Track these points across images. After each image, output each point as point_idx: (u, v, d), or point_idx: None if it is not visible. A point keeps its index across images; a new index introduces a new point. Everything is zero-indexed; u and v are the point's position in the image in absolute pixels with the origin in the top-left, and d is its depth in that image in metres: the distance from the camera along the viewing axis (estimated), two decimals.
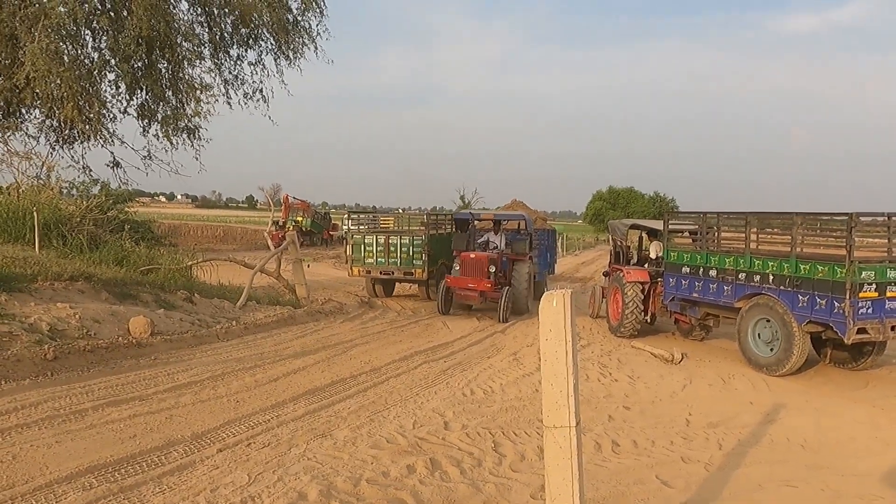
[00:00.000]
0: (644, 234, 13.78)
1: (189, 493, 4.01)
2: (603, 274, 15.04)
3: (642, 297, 11.57)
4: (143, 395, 5.98)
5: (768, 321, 9.04)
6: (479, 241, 14.50)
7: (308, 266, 15.16)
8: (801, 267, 8.51)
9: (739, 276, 9.47)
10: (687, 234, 11.83)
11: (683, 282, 10.60)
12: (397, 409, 6.23)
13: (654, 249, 12.70)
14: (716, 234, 10.38)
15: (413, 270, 14.76)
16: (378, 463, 4.76)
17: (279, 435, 5.25)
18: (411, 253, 14.73)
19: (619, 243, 13.30)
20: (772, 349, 8.96)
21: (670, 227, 11.62)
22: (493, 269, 12.78)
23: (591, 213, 70.05)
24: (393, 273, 14.91)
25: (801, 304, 8.46)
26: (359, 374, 7.53)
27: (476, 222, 15.62)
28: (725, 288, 9.73)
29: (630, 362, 9.41)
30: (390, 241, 14.77)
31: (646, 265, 12.55)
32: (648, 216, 51.38)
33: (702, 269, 10.19)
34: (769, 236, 10.00)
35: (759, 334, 9.24)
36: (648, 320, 12.10)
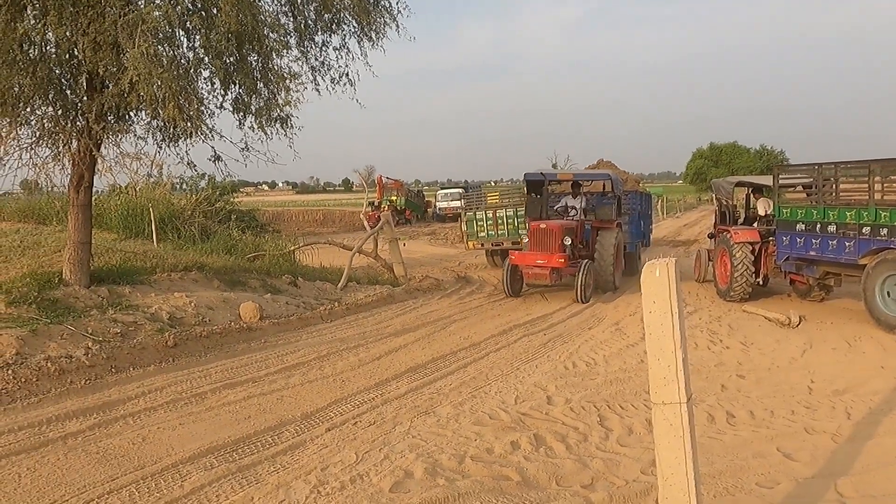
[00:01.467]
0: (751, 192, 12.98)
1: (301, 471, 4.16)
2: (708, 236, 14.36)
3: (752, 258, 10.92)
4: (255, 377, 6.27)
5: None
6: (555, 206, 13.01)
7: (404, 244, 15.37)
8: None
9: (863, 231, 8.73)
10: (800, 188, 11.03)
11: (798, 240, 9.91)
12: (498, 385, 6.20)
13: (763, 207, 11.97)
14: (834, 186, 9.59)
15: (520, 240, 15.31)
16: (482, 439, 4.75)
17: (384, 413, 5.35)
18: (516, 224, 15.71)
19: (724, 202, 12.59)
20: None
21: (781, 181, 10.88)
22: (568, 240, 11.02)
23: (692, 172, 66.91)
24: (503, 244, 15.93)
25: None
26: (458, 349, 7.56)
27: (552, 184, 13.87)
28: (847, 244, 9.00)
29: (742, 328, 8.92)
30: (497, 215, 15.97)
31: (754, 224, 11.85)
32: (755, 172, 48.41)
33: (819, 225, 9.47)
34: None
35: (888, 292, 8.50)
36: (760, 282, 11.43)
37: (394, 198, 36.83)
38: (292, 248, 13.71)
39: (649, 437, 4.41)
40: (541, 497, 3.88)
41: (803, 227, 9.82)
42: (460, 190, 39.48)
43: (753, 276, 10.94)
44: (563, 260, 10.77)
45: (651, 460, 4.07)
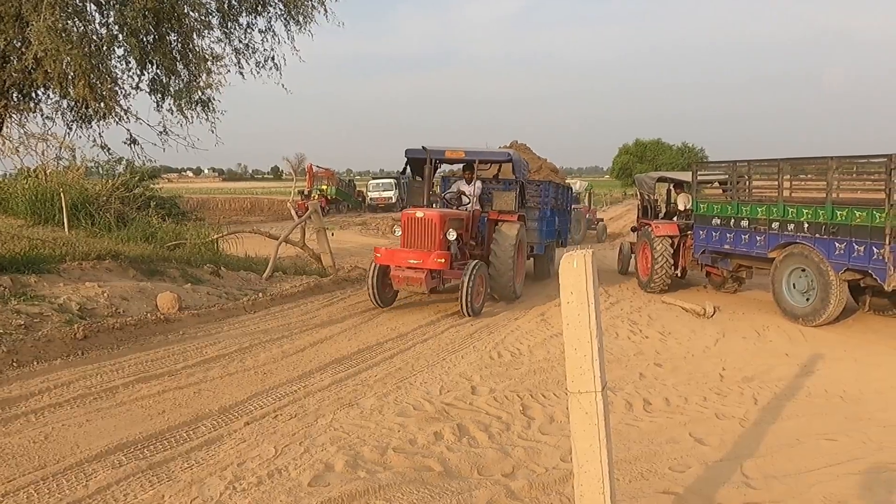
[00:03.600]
0: (672, 187, 13.48)
1: (216, 467, 4.02)
2: (631, 229, 14.82)
3: (672, 251, 11.37)
4: (171, 370, 6.03)
5: (803, 270, 8.82)
6: (447, 193, 10.99)
7: (333, 234, 15.14)
8: (838, 213, 8.22)
9: (772, 226, 9.23)
10: (717, 184, 11.53)
11: (714, 234, 10.38)
12: (424, 375, 6.19)
13: (682, 202, 12.45)
14: (747, 182, 10.07)
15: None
16: (405, 431, 4.73)
17: (306, 406, 5.24)
18: None
19: (646, 197, 13.02)
20: (808, 299, 8.76)
21: (699, 178, 11.33)
22: (453, 234, 8.94)
23: (618, 167, 68.89)
24: None
25: (837, 252, 8.20)
26: (385, 340, 7.51)
27: (442, 164, 11.05)
28: (758, 238, 9.50)
29: (661, 318, 9.25)
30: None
31: (674, 218, 12.30)
32: (677, 168, 50.26)
33: (733, 220, 9.96)
34: (802, 183, 9.68)
35: (794, 284, 9.02)
36: (679, 274, 11.91)
37: (324, 187, 36.25)
38: (216, 236, 13.27)
39: (569, 425, 4.51)
40: (462, 487, 3.89)
41: (719, 221, 10.29)
42: (392, 180, 39.23)
43: (672, 268, 11.39)
44: (443, 259, 8.58)
45: (570, 448, 4.14)
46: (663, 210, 13.19)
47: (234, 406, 5.17)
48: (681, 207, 12.48)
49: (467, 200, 10.37)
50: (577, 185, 25.12)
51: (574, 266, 2.80)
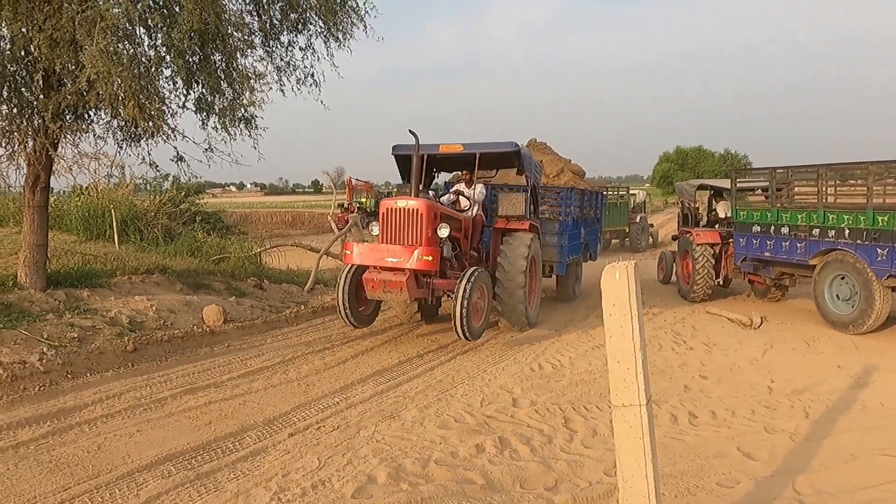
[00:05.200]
0: (713, 195, 13.29)
1: (262, 478, 4.08)
2: (672, 238, 14.64)
3: (713, 259, 11.24)
4: (217, 381, 6.15)
5: (845, 277, 8.63)
6: (441, 197, 8.94)
7: None
8: (879, 219, 8.05)
9: (813, 232, 9.10)
10: (760, 191, 11.35)
11: (754, 241, 10.27)
12: (464, 388, 6.18)
13: (723, 209, 12.29)
14: (787, 189, 9.95)
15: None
16: (446, 443, 4.73)
17: (348, 417, 5.29)
18: None
19: (687, 205, 12.87)
20: (851, 306, 8.53)
21: (741, 185, 11.25)
22: (445, 230, 7.27)
23: (659, 175, 67.92)
24: None
25: (879, 258, 8.04)
26: (425, 352, 7.53)
27: (437, 161, 9.13)
28: (798, 245, 9.35)
29: (705, 329, 9.07)
30: None
31: (716, 226, 12.14)
32: (720, 175, 49.34)
33: (773, 227, 9.85)
34: (849, 188, 9.49)
35: (836, 292, 8.82)
36: (721, 283, 11.78)
37: (363, 199, 36.62)
38: (258, 250, 13.52)
39: (613, 438, 4.44)
40: (504, 500, 3.87)
41: (759, 228, 10.17)
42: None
43: (714, 276, 11.28)
44: (431, 258, 6.93)
45: (615, 461, 4.08)
46: (704, 218, 13.00)
47: (278, 417, 5.25)
48: (721, 215, 12.31)
49: (467, 204, 8.64)
50: (639, 194, 25.12)
51: (616, 277, 2.77)
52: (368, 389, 6.07)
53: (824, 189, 9.10)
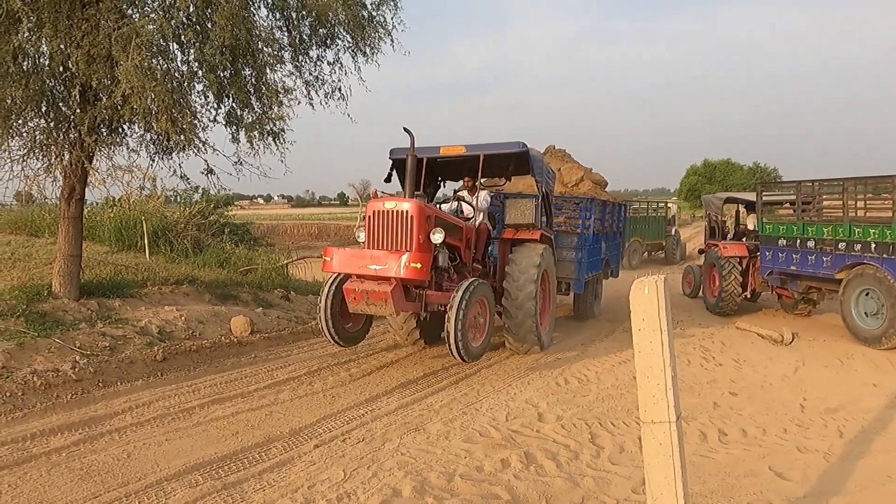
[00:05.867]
0: (741, 208, 13.23)
1: (287, 489, 4.10)
2: (698, 251, 14.55)
3: (740, 272, 11.20)
4: (244, 392, 6.21)
5: (872, 292, 8.51)
6: (441, 204, 8.31)
7: None
8: None
9: (839, 246, 9.04)
10: (788, 204, 11.25)
11: (780, 254, 10.25)
12: (490, 401, 6.15)
13: (752, 222, 12.18)
14: (813, 202, 9.92)
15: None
16: (471, 457, 4.70)
17: (373, 430, 5.29)
18: None
19: (714, 218, 12.81)
20: (879, 321, 8.44)
21: (767, 198, 11.21)
22: (440, 236, 6.55)
23: (686, 188, 67.19)
24: None
25: None
26: (451, 365, 7.51)
27: (436, 165, 8.51)
28: (824, 259, 9.30)
29: (735, 344, 8.92)
30: None
31: (743, 239, 12.07)
32: (748, 189, 48.73)
33: (799, 241, 9.84)
34: (868, 202, 9.45)
35: (863, 306, 8.72)
36: (749, 296, 11.65)
37: None
38: (285, 261, 13.66)
39: (641, 455, 4.37)
40: None
41: (785, 242, 10.14)
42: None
43: (741, 289, 11.21)
44: (420, 265, 6.21)
45: (642, 479, 4.02)
46: (731, 231, 12.95)
47: (304, 429, 5.27)
48: (750, 228, 12.21)
49: (470, 212, 7.97)
50: (673, 208, 25.20)
51: (646, 292, 2.75)
52: (393, 402, 6.07)
53: (850, 203, 9.01)
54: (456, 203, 8.19)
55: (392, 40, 8.49)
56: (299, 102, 8.14)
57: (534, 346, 7.83)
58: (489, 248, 8.20)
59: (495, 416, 5.66)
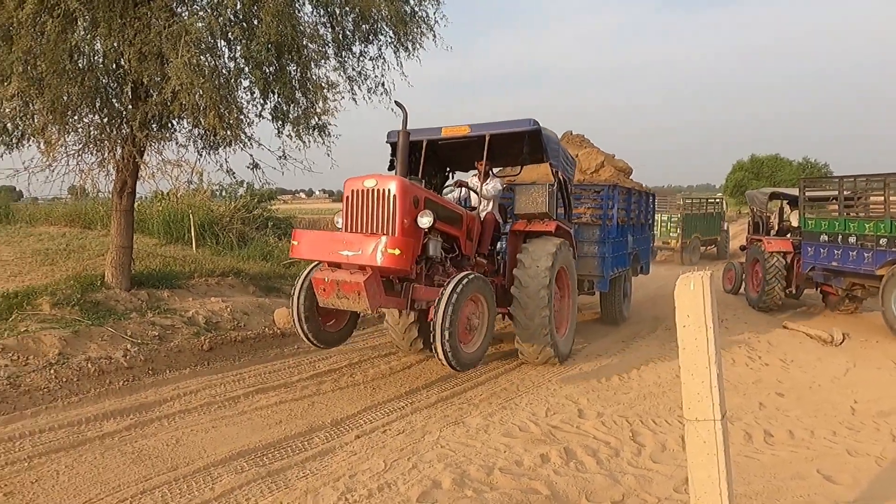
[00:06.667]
0: (785, 203, 13.09)
1: (329, 478, 4.17)
2: (740, 248, 14.42)
3: (784, 268, 11.11)
4: (287, 382, 6.33)
5: None
6: (447, 193, 7.79)
7: None
8: None
9: (880, 242, 8.93)
10: (834, 200, 11.05)
11: (822, 250, 10.20)
12: (529, 396, 6.14)
13: (796, 218, 12.01)
14: (855, 198, 9.75)
15: (669, 241, 19.78)
16: (511, 451, 4.71)
17: (413, 422, 5.34)
18: (668, 228, 19.64)
19: (757, 213, 12.78)
20: None
21: (811, 194, 11.13)
22: (428, 219, 5.72)
23: (732, 184, 65.61)
24: (653, 242, 18.69)
25: None
26: (490, 360, 7.51)
27: (438, 148, 7.79)
28: (866, 255, 9.17)
29: (782, 344, 8.70)
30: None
31: (788, 235, 11.97)
32: (796, 185, 47.37)
33: (840, 236, 9.73)
34: None
35: None
36: (794, 291, 11.56)
37: None
38: None
39: (683, 454, 4.31)
40: None
41: (826, 238, 10.05)
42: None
43: (784, 285, 11.20)
44: (399, 251, 5.32)
45: (685, 478, 3.97)
46: (775, 227, 12.86)
47: (346, 419, 5.35)
48: (794, 224, 12.04)
49: (483, 205, 7.22)
50: (723, 204, 24.96)
51: (691, 288, 2.71)
52: (433, 395, 6.12)
53: (892, 198, 8.88)
54: (461, 191, 7.46)
55: (434, 35, 8.52)
56: (343, 97, 8.24)
57: (550, 357, 6.97)
58: (499, 243, 7.41)
59: (535, 412, 5.65)
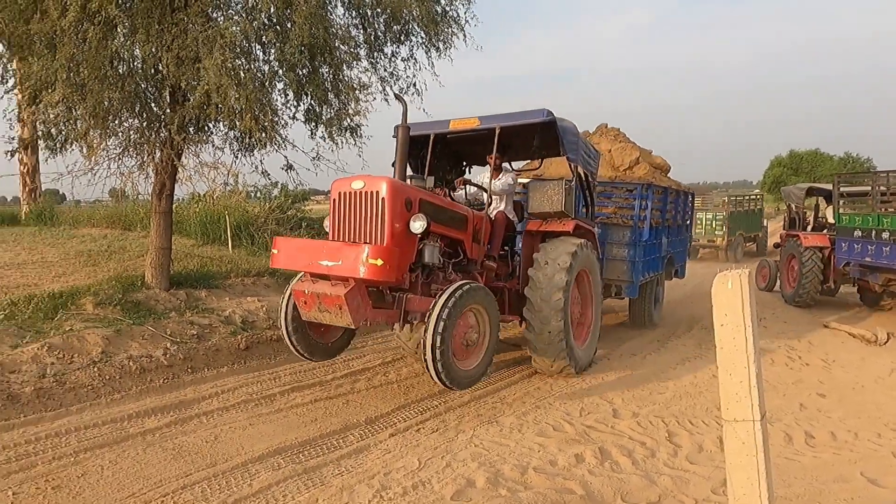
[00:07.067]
0: (822, 199, 12.99)
1: (364, 475, 4.21)
2: (774, 246, 14.27)
3: (821, 263, 10.99)
4: (322, 380, 6.40)
5: None
6: (457, 190, 7.05)
7: None
8: None
9: None
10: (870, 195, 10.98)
11: (856, 246, 10.10)
12: (563, 396, 6.10)
13: (832, 214, 11.91)
14: (889, 193, 9.83)
15: (714, 239, 19.47)
16: (545, 451, 4.69)
17: (447, 420, 5.36)
18: (713, 225, 19.29)
19: (794, 209, 12.68)
20: None
21: (849, 189, 11.04)
22: (420, 224, 5.31)
23: (770, 180, 64.20)
24: (697, 241, 18.82)
25: None
26: (523, 359, 7.49)
27: (446, 143, 7.60)
28: None
29: (823, 344, 8.50)
30: (696, 217, 17.57)
31: (824, 231, 11.88)
32: None
33: (874, 232, 9.64)
34: None
35: None
36: (831, 286, 11.42)
37: None
38: None
39: (721, 455, 4.25)
40: None
41: (860, 233, 9.97)
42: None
43: (821, 280, 11.11)
44: (382, 261, 4.85)
45: (723, 480, 3.91)
46: (811, 223, 12.76)
47: (380, 417, 5.39)
48: (831, 220, 11.90)
49: (495, 203, 6.87)
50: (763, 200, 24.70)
51: (729, 286, 2.67)
52: (466, 394, 6.12)
53: None
54: (462, 186, 6.96)
55: (465, 35, 8.53)
56: (375, 98, 8.30)
57: (565, 367, 6.46)
58: (513, 243, 7.05)
59: (569, 411, 5.62)
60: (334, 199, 5.45)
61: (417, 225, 5.29)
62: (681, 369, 7.07)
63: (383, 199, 5.20)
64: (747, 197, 24.00)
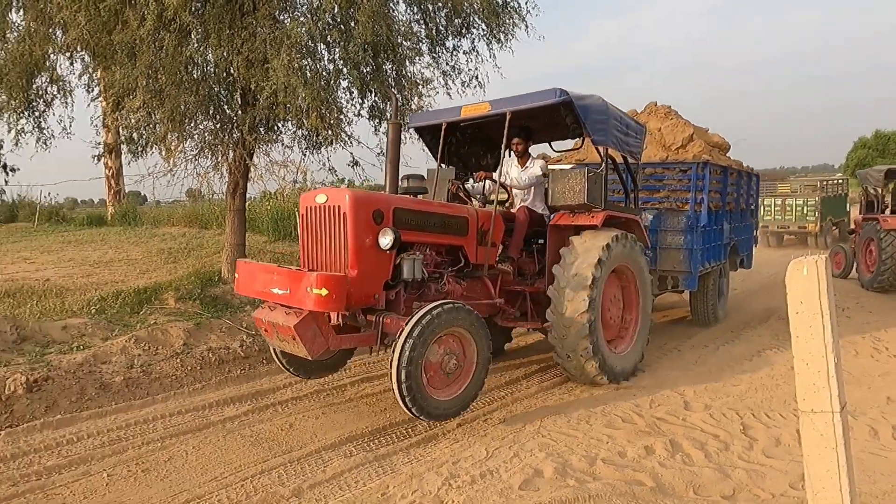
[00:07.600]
0: None
1: (433, 464, 4.28)
2: (848, 232, 13.70)
3: None
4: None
5: None
6: (475, 182, 6.57)
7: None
8: None
9: None
10: None
11: None
12: (632, 387, 6.01)
13: None
14: None
15: (806, 225, 19.37)
16: (614, 442, 4.64)
17: (514, 411, 5.38)
18: (805, 211, 19.33)
19: (871, 192, 12.13)
20: None
21: None
22: (388, 239, 4.88)
23: (854, 163, 60.80)
24: (788, 227, 19.69)
25: None
26: None
27: (463, 130, 7.11)
28: None
29: None
30: (786, 203, 19.44)
31: None
32: None
33: None
34: None
35: None
36: None
37: None
38: None
39: (799, 449, 4.10)
40: None
41: None
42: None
43: None
44: (327, 291, 4.45)
45: (800, 474, 3.78)
46: (890, 205, 12.17)
47: None
48: None
49: (521, 196, 6.47)
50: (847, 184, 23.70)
51: (804, 273, 2.58)
52: (534, 385, 6.12)
53: None
54: (486, 184, 6.52)
55: (526, 25, 8.48)
56: (437, 92, 8.37)
57: (594, 375, 5.80)
58: (545, 239, 6.25)
59: (638, 403, 5.53)
60: (302, 215, 5.17)
61: (385, 241, 4.87)
62: (756, 361, 6.84)
63: (344, 213, 4.82)
64: (832, 182, 23.00)
